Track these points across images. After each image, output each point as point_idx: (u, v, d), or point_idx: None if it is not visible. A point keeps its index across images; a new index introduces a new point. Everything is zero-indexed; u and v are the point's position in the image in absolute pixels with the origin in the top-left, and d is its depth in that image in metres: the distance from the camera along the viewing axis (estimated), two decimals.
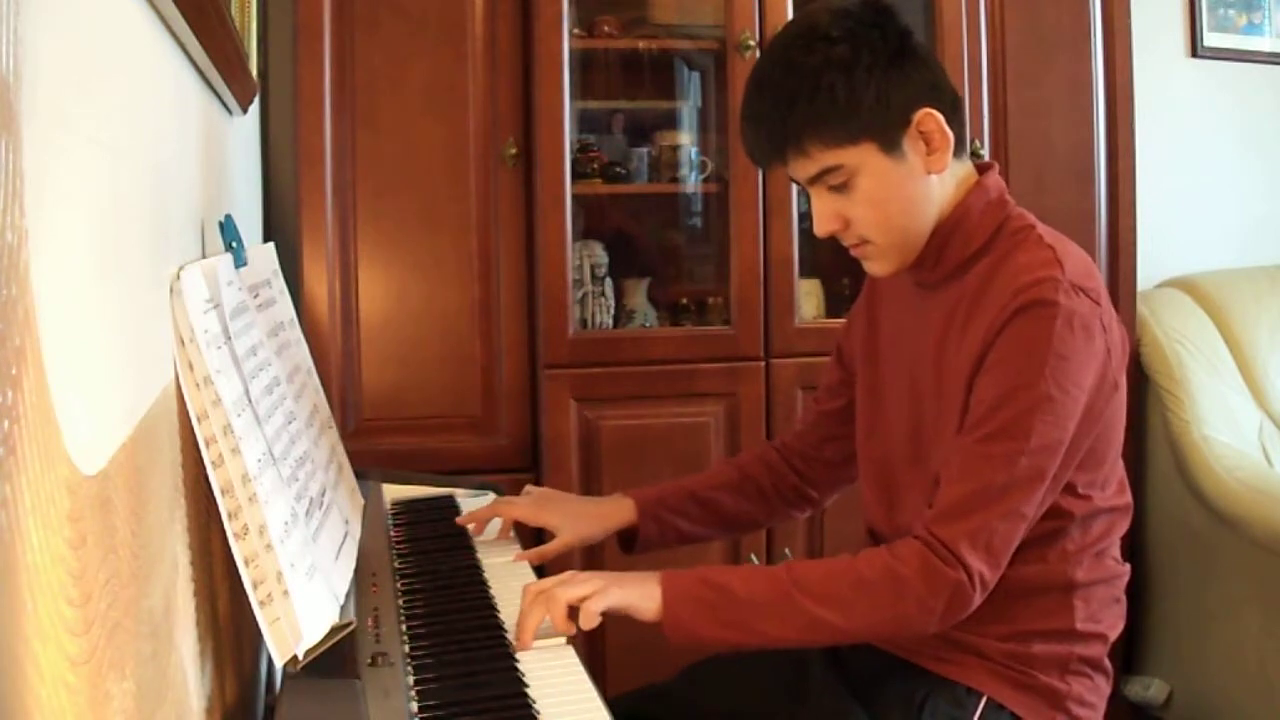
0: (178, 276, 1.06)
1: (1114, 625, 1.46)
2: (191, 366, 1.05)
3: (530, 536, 1.71)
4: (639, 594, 1.33)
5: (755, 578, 1.38)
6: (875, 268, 1.46)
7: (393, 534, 1.68)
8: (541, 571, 1.61)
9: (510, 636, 1.30)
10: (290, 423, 1.32)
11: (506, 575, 1.53)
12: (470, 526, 1.69)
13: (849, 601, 1.33)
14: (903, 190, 1.38)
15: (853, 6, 1.39)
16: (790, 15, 2.48)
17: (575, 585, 1.32)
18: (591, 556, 2.46)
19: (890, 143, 1.36)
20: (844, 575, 1.35)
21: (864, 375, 1.58)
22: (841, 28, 1.36)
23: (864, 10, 1.38)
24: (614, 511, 1.68)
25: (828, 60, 1.34)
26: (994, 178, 1.45)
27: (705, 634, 1.34)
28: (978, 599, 1.32)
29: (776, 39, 1.44)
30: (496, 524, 1.70)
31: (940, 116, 1.37)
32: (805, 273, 2.60)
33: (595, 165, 2.60)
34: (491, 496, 1.78)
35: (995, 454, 1.31)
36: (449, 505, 1.80)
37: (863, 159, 1.36)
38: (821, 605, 1.32)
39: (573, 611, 1.31)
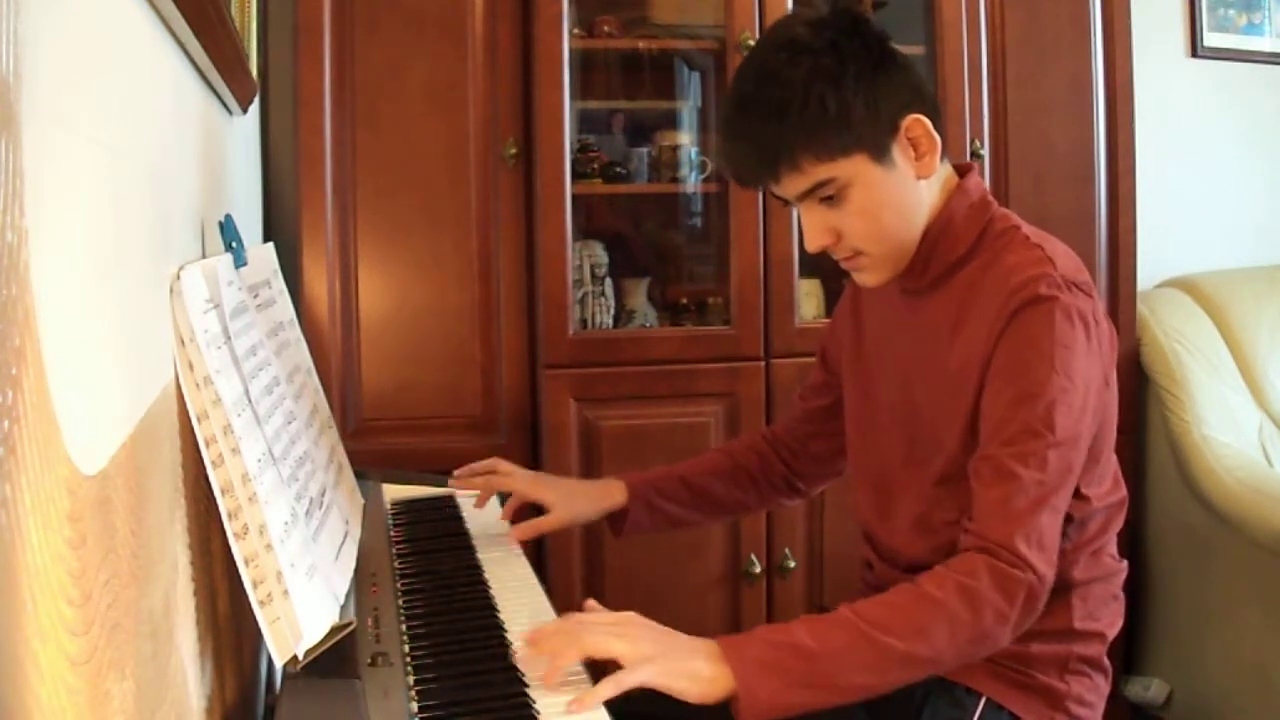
0: (178, 276, 1.06)
1: (1112, 623, 1.46)
2: (191, 366, 1.05)
3: (526, 515, 1.71)
4: (684, 673, 1.18)
5: (822, 626, 1.24)
6: (868, 278, 1.45)
7: (393, 534, 1.68)
8: (541, 568, 1.61)
9: (510, 637, 1.30)
10: (290, 423, 1.32)
11: (506, 572, 1.53)
12: (457, 486, 1.75)
13: (927, 627, 1.23)
14: (894, 199, 1.38)
15: (828, 17, 1.37)
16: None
17: (607, 638, 1.19)
18: (591, 552, 2.46)
19: (881, 152, 1.35)
20: (914, 601, 1.25)
21: (853, 380, 1.58)
22: (823, 39, 1.34)
23: (840, 19, 1.37)
24: (606, 493, 1.69)
25: (815, 72, 1.32)
26: (974, 179, 1.45)
27: (788, 702, 1.20)
28: (1045, 599, 1.28)
29: (754, 54, 1.41)
30: (490, 506, 1.72)
31: (927, 121, 1.37)
32: (805, 273, 2.60)
33: (595, 165, 2.60)
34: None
35: (1025, 453, 1.28)
36: (449, 505, 1.80)
37: (855, 170, 1.35)
38: (902, 638, 1.22)
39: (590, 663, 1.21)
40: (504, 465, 1.74)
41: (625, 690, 1.16)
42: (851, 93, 1.32)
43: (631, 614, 1.25)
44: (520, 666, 1.22)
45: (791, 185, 1.37)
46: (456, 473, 1.76)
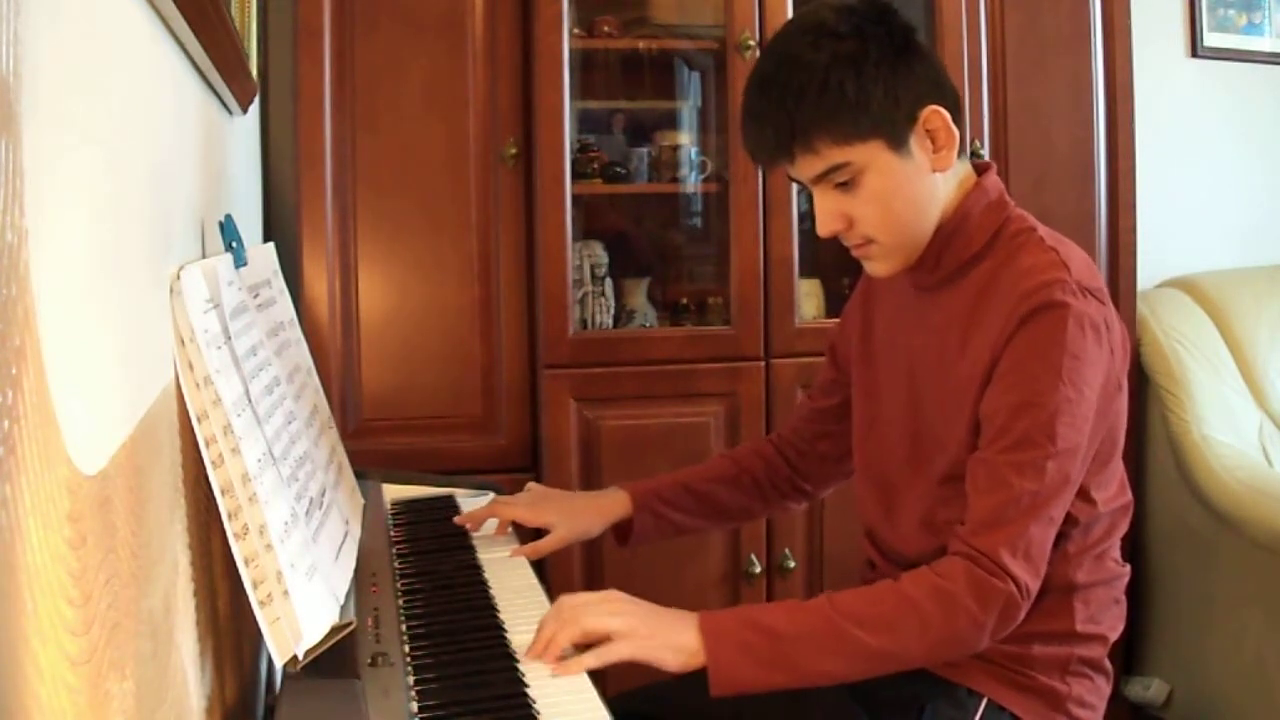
0: (178, 276, 1.06)
1: (1114, 626, 1.46)
2: (191, 366, 1.05)
3: (530, 534, 1.71)
4: (668, 645, 1.27)
5: (797, 612, 1.32)
6: (877, 268, 1.45)
7: (393, 534, 1.68)
8: (541, 569, 1.61)
9: (510, 637, 1.30)
10: (290, 423, 1.32)
11: (506, 572, 1.53)
12: (467, 525, 1.70)
13: (898, 625, 1.29)
14: (909, 188, 1.38)
15: (856, 4, 1.38)
16: (790, 15, 2.48)
17: (602, 616, 1.27)
18: (591, 553, 2.46)
19: (898, 140, 1.35)
20: (888, 597, 1.30)
21: (860, 376, 1.58)
22: (848, 24, 1.35)
23: (868, 7, 1.38)
24: (610, 505, 1.69)
25: (836, 56, 1.33)
26: (993, 179, 1.45)
27: (755, 680, 1.28)
28: (1025, 609, 1.30)
29: (779, 36, 1.42)
30: (493, 522, 1.70)
31: (946, 114, 1.37)
32: (805, 273, 2.60)
33: (595, 165, 2.60)
34: (491, 496, 1.78)
35: (1023, 462, 1.29)
36: (449, 505, 1.80)
37: (870, 156, 1.35)
38: (871, 632, 1.28)
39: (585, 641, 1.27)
40: (503, 499, 1.74)
41: (607, 663, 1.24)
42: (871, 79, 1.33)
43: (613, 591, 1.32)
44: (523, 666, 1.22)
45: (806, 167, 1.37)
46: (456, 520, 1.72)
